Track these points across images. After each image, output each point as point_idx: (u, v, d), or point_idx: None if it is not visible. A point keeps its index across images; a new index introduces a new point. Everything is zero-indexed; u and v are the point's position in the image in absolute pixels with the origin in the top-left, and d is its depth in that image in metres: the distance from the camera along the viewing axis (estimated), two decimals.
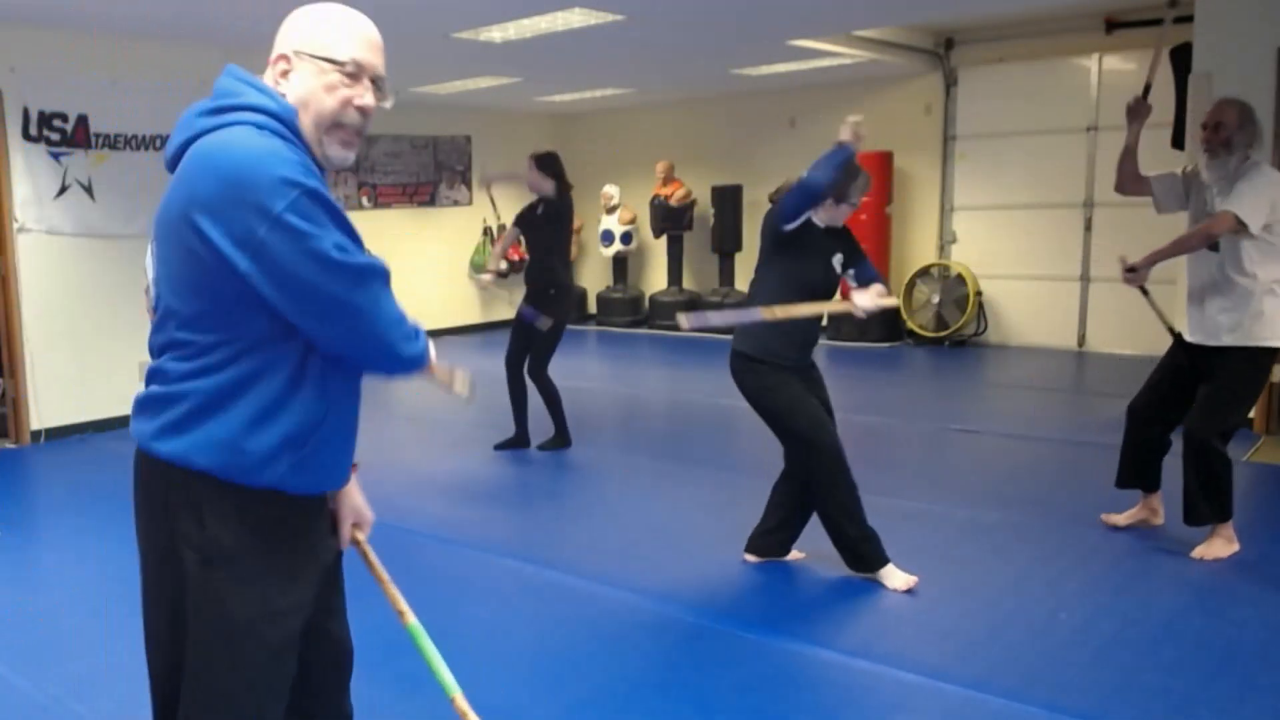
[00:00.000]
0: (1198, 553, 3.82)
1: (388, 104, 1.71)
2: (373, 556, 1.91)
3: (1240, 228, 3.60)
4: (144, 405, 1.62)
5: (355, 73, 1.63)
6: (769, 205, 3.82)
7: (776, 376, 3.65)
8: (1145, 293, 4.05)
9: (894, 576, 3.61)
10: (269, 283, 1.49)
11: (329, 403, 1.62)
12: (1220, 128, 3.70)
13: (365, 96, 1.65)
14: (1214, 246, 3.73)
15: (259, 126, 1.56)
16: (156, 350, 1.63)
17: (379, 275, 1.60)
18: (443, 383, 1.82)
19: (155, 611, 1.69)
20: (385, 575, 1.90)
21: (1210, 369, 3.79)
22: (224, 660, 1.59)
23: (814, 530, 3.86)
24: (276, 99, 1.61)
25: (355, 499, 1.87)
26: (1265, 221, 3.62)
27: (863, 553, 3.63)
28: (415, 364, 1.66)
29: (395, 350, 1.61)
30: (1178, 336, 3.96)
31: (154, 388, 1.61)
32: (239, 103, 1.59)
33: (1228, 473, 3.78)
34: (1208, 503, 3.80)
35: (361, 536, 1.89)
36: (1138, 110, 4.04)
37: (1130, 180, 4.06)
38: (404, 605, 1.90)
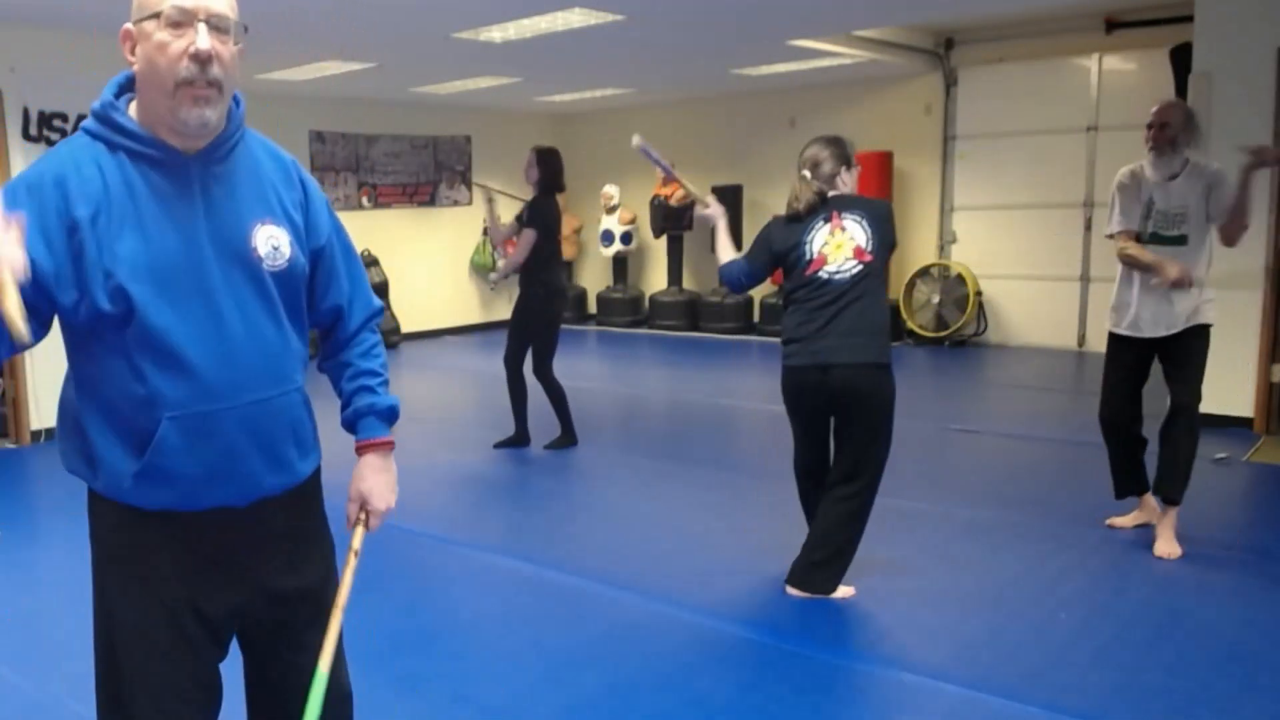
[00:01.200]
0: (1161, 550, 3.86)
1: (236, 45, 1.54)
2: (353, 549, 1.77)
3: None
4: None
5: (179, 19, 1.47)
6: (785, 222, 3.60)
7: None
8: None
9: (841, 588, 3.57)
10: None
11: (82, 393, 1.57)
12: (1166, 127, 3.84)
13: (200, 41, 1.47)
14: (1184, 241, 3.84)
15: (87, 132, 1.57)
16: None
17: None
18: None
19: None
20: (348, 577, 1.74)
21: (1173, 349, 3.90)
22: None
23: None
24: (102, 98, 1.58)
25: (364, 481, 1.78)
26: None
27: (839, 572, 3.54)
28: None
29: None
30: (1120, 337, 4.01)
31: None
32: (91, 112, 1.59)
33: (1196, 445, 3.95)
34: (1183, 477, 3.90)
35: (359, 528, 1.78)
36: (1264, 156, 3.87)
37: (1230, 236, 3.93)
38: (341, 603, 1.72)
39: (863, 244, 3.43)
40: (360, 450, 1.80)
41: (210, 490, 1.55)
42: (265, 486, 1.61)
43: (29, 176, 1.49)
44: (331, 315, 1.77)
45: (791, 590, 3.57)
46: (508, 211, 6.63)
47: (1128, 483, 4.16)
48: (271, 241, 1.60)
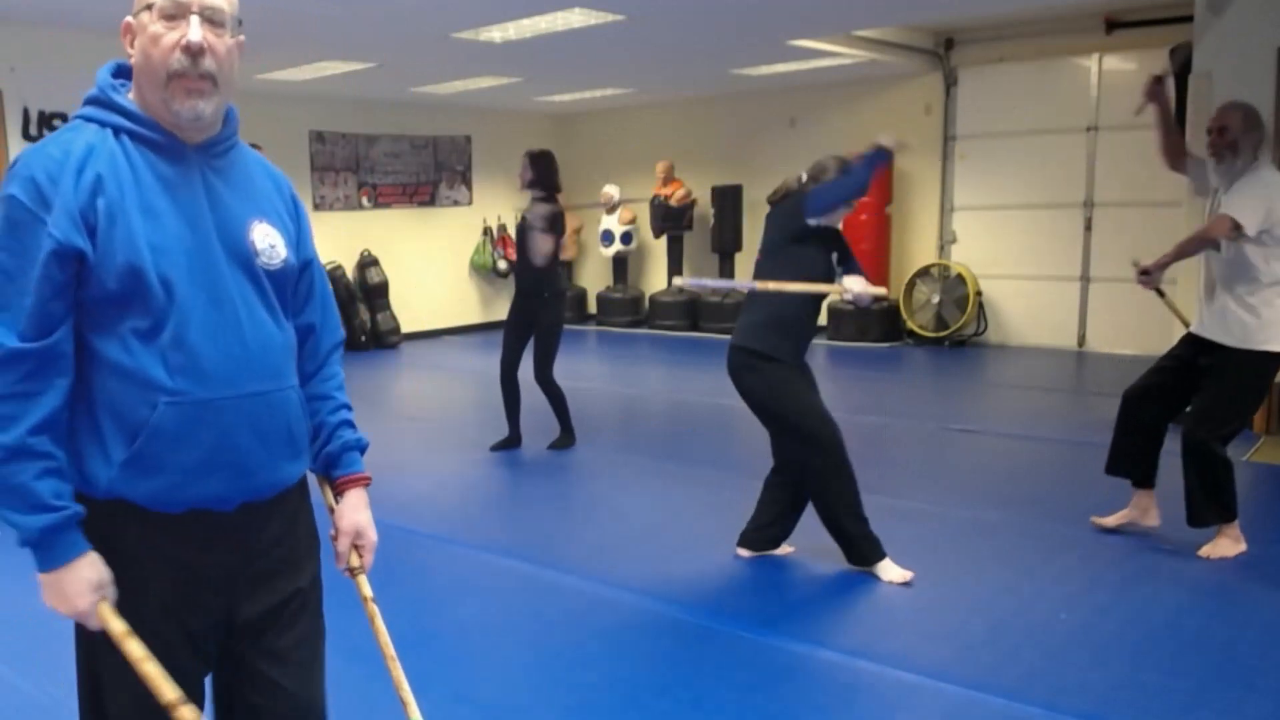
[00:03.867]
0: (1204, 551, 3.83)
1: (233, 38, 1.54)
2: (367, 598, 1.71)
3: (1236, 230, 3.62)
4: None
5: (173, 11, 1.48)
6: (770, 206, 3.82)
7: (784, 373, 3.65)
8: (1161, 294, 4.19)
9: (890, 570, 3.62)
10: None
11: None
12: (1225, 131, 3.72)
13: (191, 33, 1.47)
14: (1217, 247, 3.74)
15: (86, 118, 1.54)
16: None
17: None
18: None
19: None
20: (380, 626, 1.71)
21: (1214, 367, 3.79)
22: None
23: (806, 525, 3.86)
24: (99, 82, 1.56)
25: (358, 514, 1.72)
26: (1263, 225, 3.62)
27: (863, 548, 3.65)
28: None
29: None
30: (1187, 330, 3.97)
31: None
32: (84, 98, 1.57)
33: (1228, 474, 3.78)
34: (1210, 504, 3.80)
35: (357, 562, 1.71)
36: (1153, 92, 4.02)
37: (1171, 154, 4.06)
38: (392, 654, 1.69)
39: (763, 244, 3.77)
40: (345, 485, 1.73)
41: (199, 482, 1.50)
42: (259, 485, 1.57)
43: (43, 164, 1.45)
44: (304, 332, 1.72)
45: (741, 551, 3.90)
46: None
47: (1120, 461, 4.07)
48: (268, 239, 1.59)
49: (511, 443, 5.81)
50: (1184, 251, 3.86)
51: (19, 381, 1.41)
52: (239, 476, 1.54)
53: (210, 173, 1.56)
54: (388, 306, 10.38)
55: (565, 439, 5.81)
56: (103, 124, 1.52)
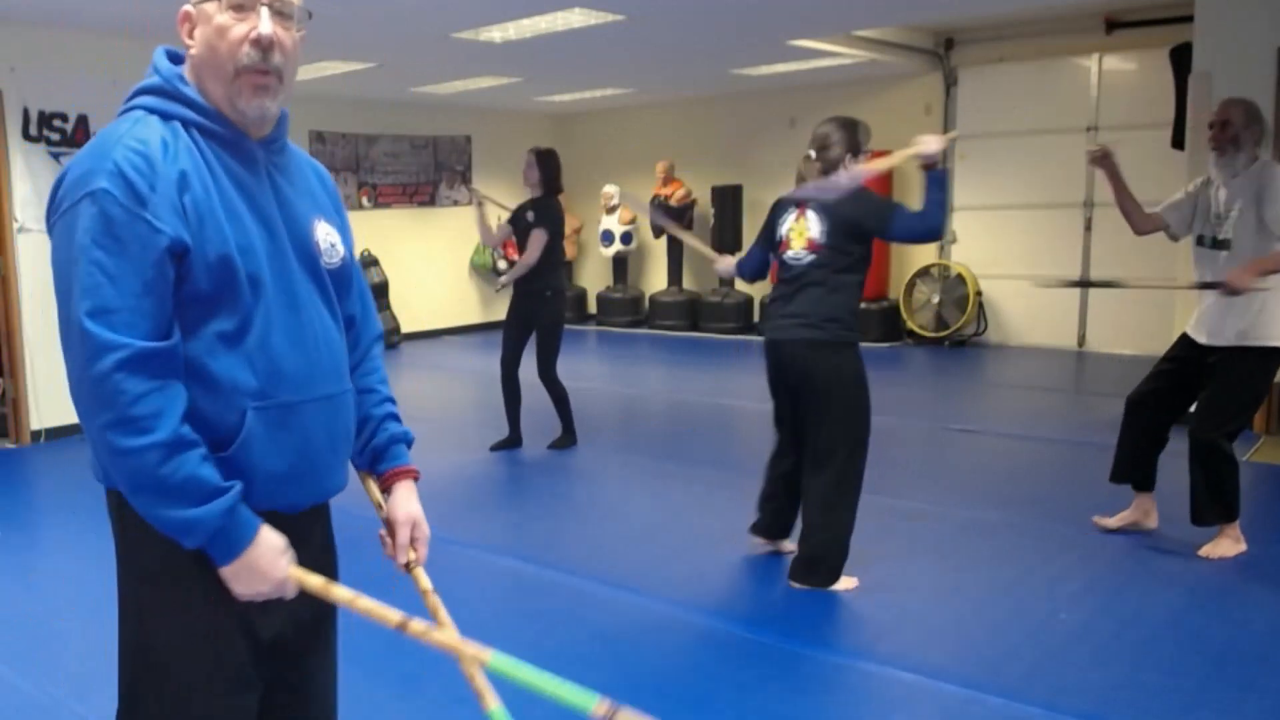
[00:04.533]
0: (1205, 551, 3.83)
1: (299, 32, 1.48)
2: (428, 590, 1.66)
3: None
4: None
5: (242, 2, 1.41)
6: (788, 202, 3.73)
7: (861, 362, 3.62)
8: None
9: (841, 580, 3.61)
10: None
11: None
12: (1227, 125, 3.72)
13: (262, 25, 1.41)
14: (1224, 245, 3.72)
15: (148, 110, 1.44)
16: None
17: (111, 358, 1.32)
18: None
19: None
20: (447, 618, 1.65)
21: (1217, 368, 3.78)
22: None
23: None
24: (163, 71, 1.46)
25: (411, 504, 1.68)
26: None
27: (836, 565, 3.58)
28: (127, 466, 1.35)
29: (104, 443, 1.35)
30: (1184, 331, 3.96)
31: None
32: (136, 89, 1.48)
33: (1234, 474, 3.79)
34: (1214, 503, 3.81)
35: (414, 555, 1.68)
36: (1102, 160, 4.05)
37: (1141, 221, 4.07)
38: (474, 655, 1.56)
39: (815, 235, 3.59)
40: (396, 476, 1.69)
41: (285, 489, 1.48)
42: (326, 488, 1.56)
43: (128, 158, 1.36)
44: (345, 326, 1.67)
45: (793, 584, 3.60)
46: (493, 215, 6.64)
47: (1125, 468, 4.08)
48: (329, 238, 1.57)
49: (511, 443, 5.81)
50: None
51: (154, 378, 1.34)
52: (314, 480, 1.53)
53: (275, 170, 1.52)
54: (388, 306, 10.38)
55: (566, 439, 5.81)
56: (167, 115, 1.43)
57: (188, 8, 1.46)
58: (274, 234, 1.47)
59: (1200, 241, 3.82)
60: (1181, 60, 6.37)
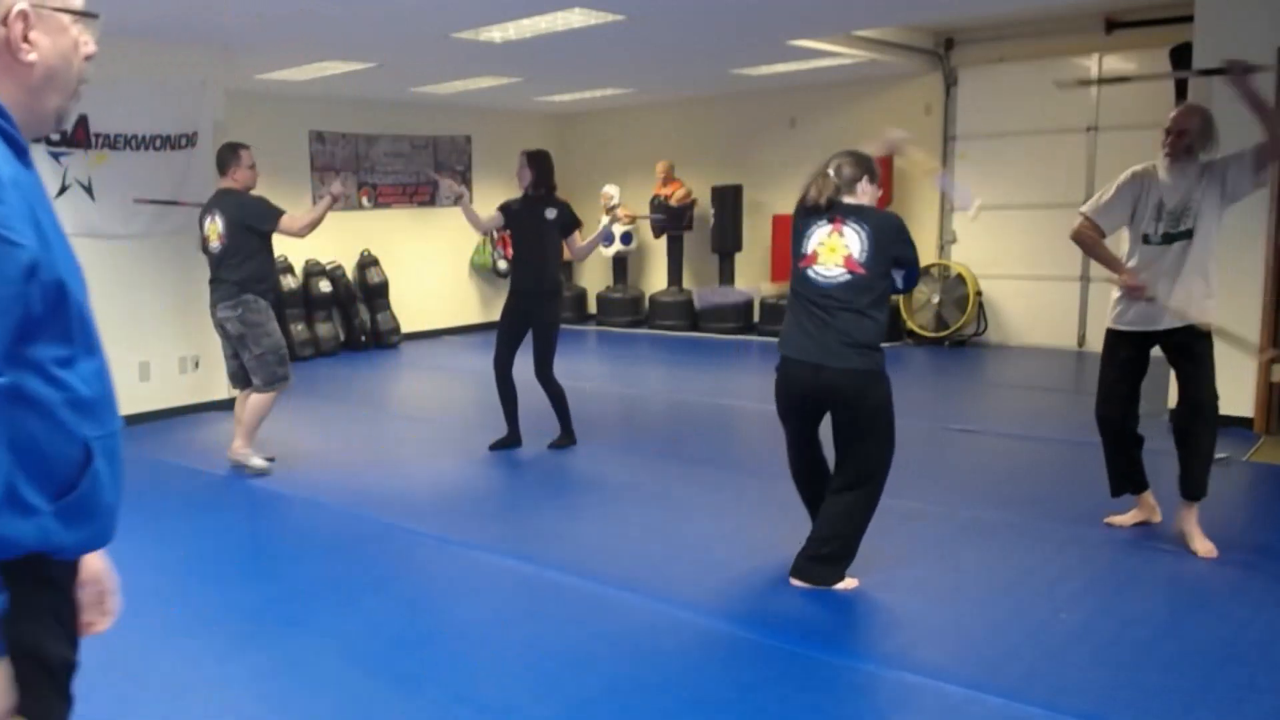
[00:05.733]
0: (1204, 551, 3.84)
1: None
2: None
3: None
4: None
5: (84, 19, 1.37)
6: (806, 212, 3.62)
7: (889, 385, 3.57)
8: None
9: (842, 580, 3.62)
10: None
11: None
12: (1183, 134, 3.81)
13: (94, 43, 1.37)
14: (1183, 236, 3.82)
15: None
16: None
17: None
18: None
19: None
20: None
21: (1180, 349, 3.89)
22: None
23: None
24: None
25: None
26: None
27: (843, 566, 3.60)
28: None
29: None
30: (1117, 332, 4.01)
31: None
32: None
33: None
34: (1208, 470, 3.90)
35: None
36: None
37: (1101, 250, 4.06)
38: None
39: (855, 254, 3.45)
40: None
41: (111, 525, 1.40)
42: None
43: None
44: None
45: (795, 581, 3.60)
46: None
47: (1124, 480, 4.16)
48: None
49: (510, 442, 5.81)
50: None
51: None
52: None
53: None
54: (388, 306, 10.38)
55: (565, 439, 5.81)
56: None
57: (24, 7, 1.29)
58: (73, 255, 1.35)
59: (1147, 240, 3.88)
60: (1181, 60, 6.38)
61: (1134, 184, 3.92)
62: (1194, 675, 2.90)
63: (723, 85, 9.99)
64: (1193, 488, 3.91)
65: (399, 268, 10.54)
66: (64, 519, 1.29)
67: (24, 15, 1.29)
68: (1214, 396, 3.89)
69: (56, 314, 1.27)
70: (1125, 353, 4.01)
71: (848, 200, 3.52)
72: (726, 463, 5.43)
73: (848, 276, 3.44)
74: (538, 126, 11.74)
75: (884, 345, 3.52)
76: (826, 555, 3.57)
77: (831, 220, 3.50)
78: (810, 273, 3.50)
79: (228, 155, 5.35)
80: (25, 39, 1.30)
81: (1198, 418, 3.90)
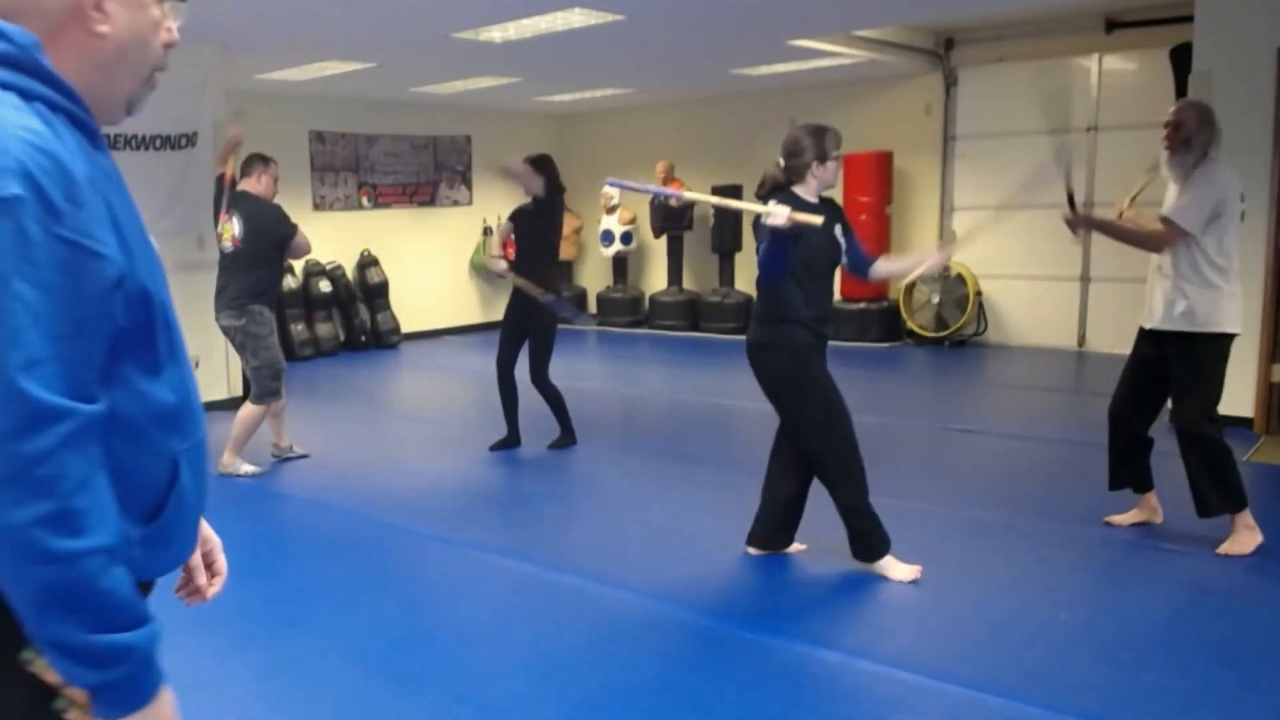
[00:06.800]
0: (1224, 549, 3.83)
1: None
2: None
3: (1185, 238, 3.76)
4: None
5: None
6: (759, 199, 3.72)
7: (808, 359, 3.66)
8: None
9: (896, 568, 3.63)
10: None
11: None
12: (1180, 127, 3.82)
13: (177, 28, 1.24)
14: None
15: (3, 85, 1.05)
16: None
17: (60, 430, 0.99)
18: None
19: None
20: None
21: (1176, 356, 3.87)
22: None
23: (815, 524, 3.86)
24: (12, 34, 1.06)
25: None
26: (1209, 220, 3.74)
27: (872, 541, 3.65)
28: (52, 576, 0.99)
29: (23, 544, 0.98)
30: (1140, 329, 4.03)
31: None
32: None
33: (1228, 458, 3.83)
34: (1214, 491, 3.84)
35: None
36: (1076, 221, 4.28)
37: (1149, 241, 4.05)
38: None
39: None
40: None
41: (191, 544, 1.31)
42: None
43: (32, 156, 1.01)
44: None
45: (750, 549, 3.90)
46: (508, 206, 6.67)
47: (1121, 476, 4.14)
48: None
49: (510, 442, 5.81)
50: (1120, 236, 4.10)
51: (95, 456, 1.04)
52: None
53: None
54: (388, 306, 10.39)
55: (565, 439, 5.82)
56: (28, 95, 1.06)
57: None
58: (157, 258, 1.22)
59: None
60: (1181, 60, 6.37)
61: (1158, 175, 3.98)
62: (1194, 675, 2.90)
63: (723, 85, 9.99)
64: (1197, 506, 3.89)
65: (399, 268, 10.54)
66: (149, 546, 1.17)
67: None
68: (1194, 420, 3.82)
69: (144, 325, 1.14)
70: (1140, 349, 4.02)
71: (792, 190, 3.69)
72: (726, 463, 5.43)
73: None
74: (538, 126, 11.73)
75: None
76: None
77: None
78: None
79: (258, 162, 5.43)
80: (99, 7, 1.14)
81: (1179, 439, 3.90)
